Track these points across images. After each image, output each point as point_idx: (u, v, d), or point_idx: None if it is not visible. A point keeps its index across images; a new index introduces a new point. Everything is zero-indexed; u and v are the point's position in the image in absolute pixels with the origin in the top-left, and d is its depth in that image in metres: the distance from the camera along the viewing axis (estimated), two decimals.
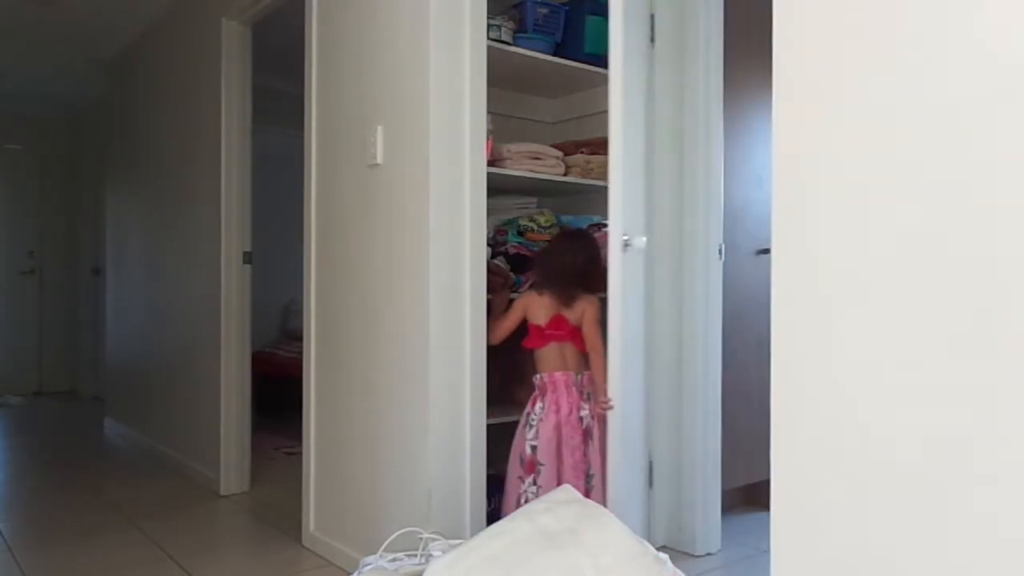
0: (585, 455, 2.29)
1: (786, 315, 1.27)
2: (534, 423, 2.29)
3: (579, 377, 2.34)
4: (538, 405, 2.32)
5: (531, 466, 2.27)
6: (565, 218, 2.91)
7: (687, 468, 2.48)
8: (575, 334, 2.37)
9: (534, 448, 2.27)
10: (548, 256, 2.47)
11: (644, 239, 2.19)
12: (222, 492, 3.24)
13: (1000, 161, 1.03)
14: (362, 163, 2.35)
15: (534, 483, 2.26)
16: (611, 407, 2.08)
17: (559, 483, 2.22)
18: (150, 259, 4.14)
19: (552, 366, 2.35)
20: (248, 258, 3.32)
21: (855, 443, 1.17)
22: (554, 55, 2.64)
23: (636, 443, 2.38)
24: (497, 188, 2.74)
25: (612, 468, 2.10)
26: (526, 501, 2.21)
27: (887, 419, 1.14)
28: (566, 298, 2.36)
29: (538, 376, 2.36)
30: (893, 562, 1.13)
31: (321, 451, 2.55)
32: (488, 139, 2.25)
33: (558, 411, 2.28)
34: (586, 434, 2.30)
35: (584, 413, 2.30)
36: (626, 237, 2.12)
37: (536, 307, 2.40)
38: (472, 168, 2.17)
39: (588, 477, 2.29)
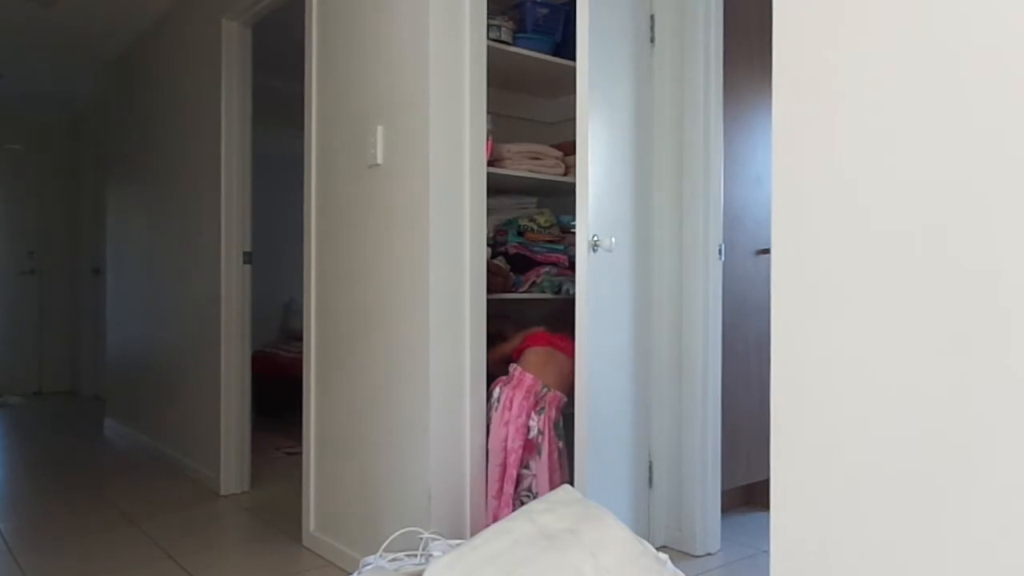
0: (521, 461, 2.24)
1: (786, 315, 1.27)
2: (488, 406, 2.26)
3: (544, 391, 2.31)
4: (497, 390, 2.28)
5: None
6: (565, 218, 2.91)
7: (687, 468, 2.48)
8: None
9: (487, 433, 2.23)
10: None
11: (613, 239, 2.20)
12: (222, 492, 3.24)
13: (1000, 162, 1.03)
14: (362, 163, 2.35)
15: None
16: None
17: (499, 482, 2.21)
18: (150, 259, 4.14)
19: (530, 366, 2.35)
20: (248, 258, 3.32)
21: (855, 442, 1.18)
22: (554, 55, 2.65)
23: (620, 446, 2.38)
24: (497, 188, 2.75)
25: (579, 474, 2.10)
26: None
27: (887, 419, 1.14)
28: None
29: (513, 365, 2.36)
30: (893, 562, 1.13)
31: (321, 451, 2.55)
32: (488, 139, 2.26)
33: (511, 408, 2.24)
34: (530, 445, 2.26)
35: (532, 423, 2.26)
36: (595, 237, 2.13)
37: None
38: (472, 168, 2.17)
39: (529, 492, 2.25)
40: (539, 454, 2.27)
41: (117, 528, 2.78)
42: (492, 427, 2.23)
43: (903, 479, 1.12)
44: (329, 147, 2.53)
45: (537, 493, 2.25)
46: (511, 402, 2.25)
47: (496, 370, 2.39)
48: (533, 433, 2.26)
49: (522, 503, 2.23)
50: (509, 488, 2.21)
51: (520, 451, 2.23)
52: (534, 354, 2.40)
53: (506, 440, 2.22)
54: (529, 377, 2.31)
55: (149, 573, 2.33)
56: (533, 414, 2.27)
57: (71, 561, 2.44)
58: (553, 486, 2.27)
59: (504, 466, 2.21)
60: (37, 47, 4.68)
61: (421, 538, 1.92)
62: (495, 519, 2.18)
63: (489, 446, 2.21)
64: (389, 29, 2.25)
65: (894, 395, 1.13)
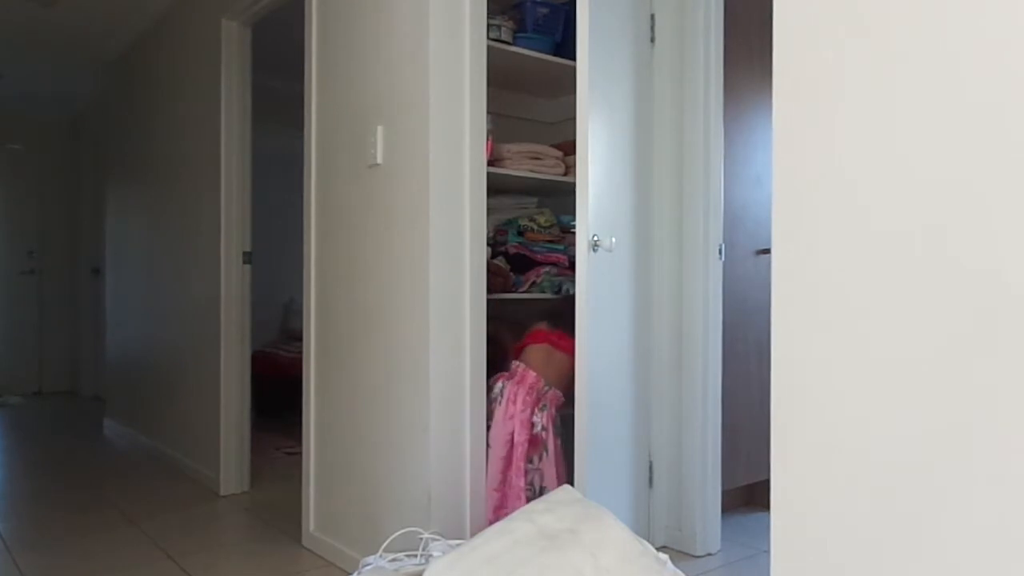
0: (527, 456, 2.28)
1: (786, 315, 1.27)
2: (489, 399, 2.29)
3: (546, 388, 2.36)
4: (499, 384, 2.33)
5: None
6: (565, 218, 2.91)
7: (687, 468, 2.48)
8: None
9: (488, 426, 2.26)
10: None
11: (613, 239, 2.21)
12: (222, 492, 3.24)
13: (1000, 162, 1.03)
14: (362, 163, 2.35)
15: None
16: None
17: (504, 472, 2.24)
18: (150, 259, 4.14)
19: (532, 363, 2.40)
20: (248, 258, 3.32)
21: (855, 443, 1.18)
22: (554, 55, 2.65)
23: (620, 445, 2.39)
24: (497, 188, 2.75)
25: (579, 474, 2.11)
26: None
27: (887, 419, 1.14)
28: None
29: (516, 363, 2.41)
30: (893, 561, 1.13)
31: (321, 451, 2.55)
32: (488, 139, 2.26)
33: (515, 403, 2.29)
34: (535, 440, 2.29)
35: (536, 419, 2.30)
36: (595, 237, 2.14)
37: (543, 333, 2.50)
38: (472, 168, 2.17)
39: (531, 486, 2.29)
40: (545, 450, 2.31)
41: (117, 528, 2.77)
42: (495, 421, 2.27)
43: (903, 479, 1.12)
44: (329, 147, 2.52)
45: (543, 487, 2.29)
46: (515, 397, 2.30)
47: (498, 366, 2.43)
48: (537, 429, 2.30)
49: (526, 498, 2.26)
50: (520, 481, 2.24)
51: (526, 445, 2.27)
52: (534, 351, 2.45)
53: (512, 434, 2.26)
54: (532, 374, 2.35)
55: (149, 573, 2.33)
56: (536, 410, 2.31)
57: (71, 561, 2.44)
58: (560, 481, 2.32)
59: (509, 459, 2.25)
60: (37, 47, 4.68)
61: (421, 538, 1.92)
62: (496, 511, 2.22)
63: (490, 440, 2.24)
64: (389, 29, 2.25)
65: (894, 395, 1.13)
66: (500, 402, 2.29)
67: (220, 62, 3.27)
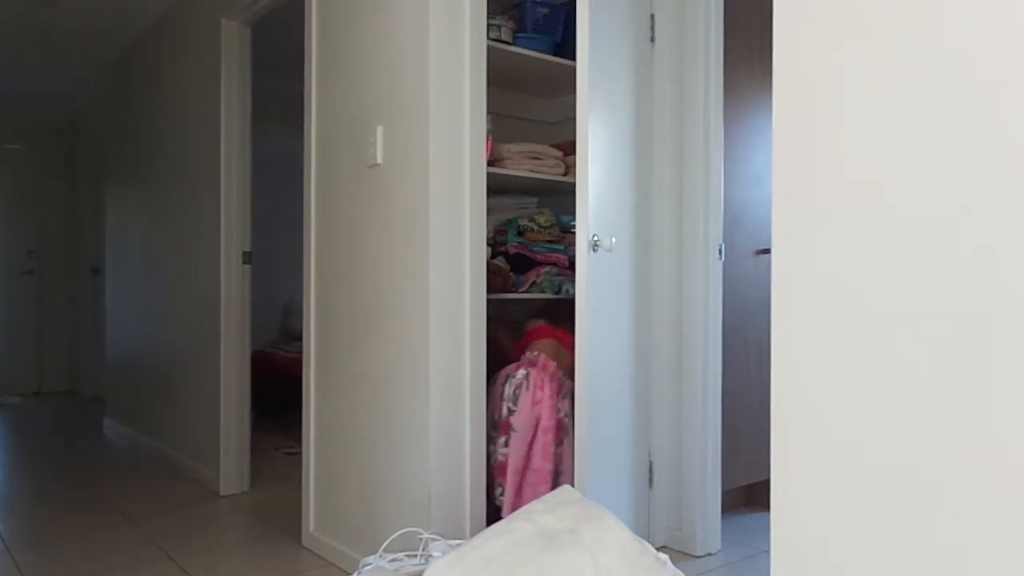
0: (558, 439, 2.34)
1: (786, 315, 1.27)
2: (513, 385, 2.33)
3: (563, 378, 2.42)
4: (521, 371, 2.36)
5: (504, 428, 2.31)
6: (565, 218, 2.91)
7: (687, 468, 2.48)
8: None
9: (511, 411, 2.30)
10: None
11: (613, 239, 2.22)
12: (222, 492, 3.24)
13: (1000, 161, 1.03)
14: (362, 163, 2.35)
15: (505, 445, 2.30)
16: None
17: (527, 457, 2.29)
18: (150, 259, 4.14)
19: (548, 354, 2.45)
20: (248, 258, 3.32)
21: (855, 443, 1.18)
22: (554, 55, 2.65)
23: (620, 446, 2.40)
24: (497, 188, 2.75)
25: (579, 474, 2.13)
26: (495, 462, 2.29)
27: (886, 419, 1.14)
28: None
29: (533, 352, 2.44)
30: (893, 561, 1.13)
31: (321, 451, 2.55)
32: (488, 139, 2.26)
33: (542, 388, 2.33)
34: (560, 426, 2.35)
35: (560, 406, 2.37)
36: (595, 237, 2.15)
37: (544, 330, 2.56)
38: (472, 168, 2.17)
39: (555, 473, 2.34)
40: (567, 436, 2.36)
41: (117, 528, 2.77)
42: (521, 406, 2.31)
43: (903, 479, 1.12)
44: (329, 147, 2.52)
45: (561, 472, 2.35)
46: (542, 383, 2.34)
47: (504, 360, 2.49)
48: (562, 414, 2.36)
49: (552, 482, 2.32)
50: (548, 465, 2.29)
51: (555, 430, 2.33)
52: (543, 346, 2.49)
53: (539, 419, 2.31)
54: (552, 363, 2.41)
55: (149, 573, 2.33)
56: (560, 397, 2.36)
57: (71, 561, 2.44)
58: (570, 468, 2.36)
59: (532, 444, 2.29)
60: (37, 47, 4.68)
61: (421, 538, 1.92)
62: (516, 495, 2.27)
63: (516, 424, 2.28)
64: (389, 29, 2.24)
65: (894, 395, 1.13)
66: (527, 387, 2.32)
67: (220, 62, 3.27)
